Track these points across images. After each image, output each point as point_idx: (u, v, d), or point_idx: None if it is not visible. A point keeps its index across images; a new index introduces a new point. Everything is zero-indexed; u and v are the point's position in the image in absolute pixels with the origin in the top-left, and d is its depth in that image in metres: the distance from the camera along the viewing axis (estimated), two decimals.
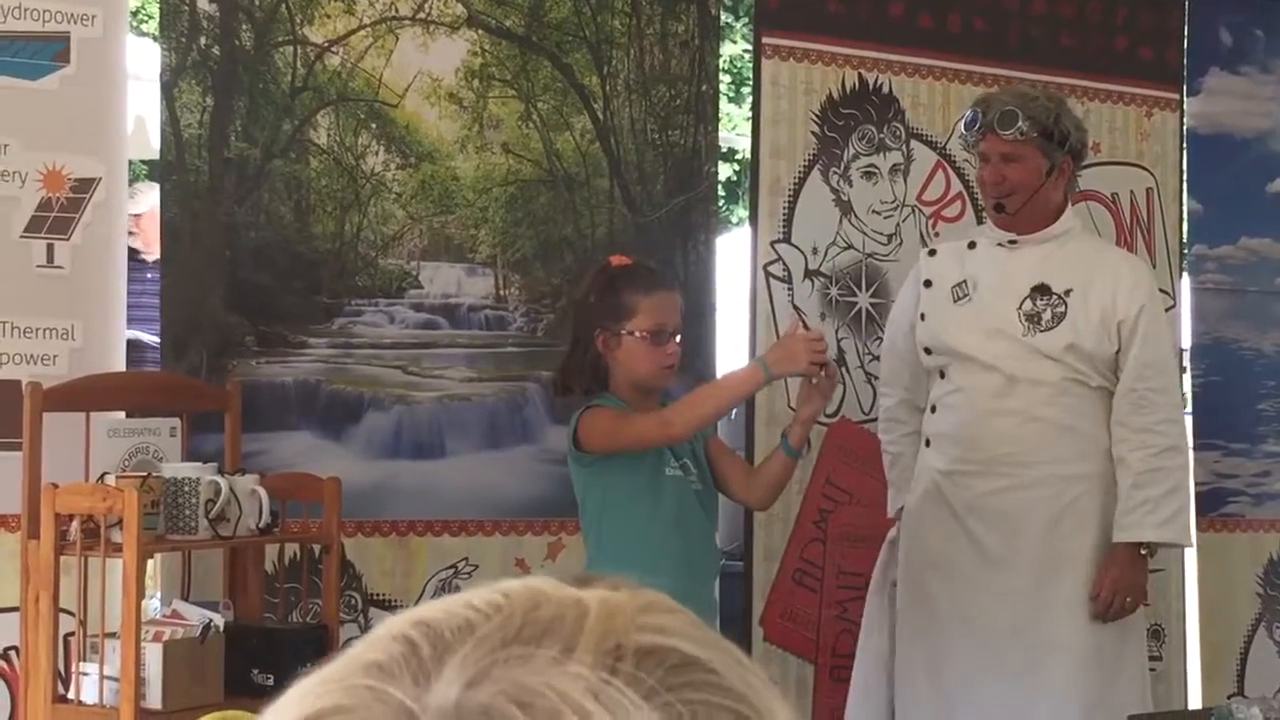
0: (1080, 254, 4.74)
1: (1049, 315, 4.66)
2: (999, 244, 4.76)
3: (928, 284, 4.82)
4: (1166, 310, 5.90)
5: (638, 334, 4.20)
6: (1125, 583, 4.63)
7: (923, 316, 4.80)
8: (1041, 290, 4.67)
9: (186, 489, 4.24)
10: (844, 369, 5.42)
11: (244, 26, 4.89)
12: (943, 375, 4.76)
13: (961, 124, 4.87)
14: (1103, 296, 4.65)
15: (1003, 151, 4.64)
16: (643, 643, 0.72)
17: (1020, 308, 4.68)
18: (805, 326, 4.78)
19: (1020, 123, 4.60)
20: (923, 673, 4.78)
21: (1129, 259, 5.02)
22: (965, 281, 4.75)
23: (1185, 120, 6.15)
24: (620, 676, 0.70)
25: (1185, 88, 6.16)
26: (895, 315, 4.99)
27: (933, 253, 4.94)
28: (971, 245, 4.83)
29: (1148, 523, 4.60)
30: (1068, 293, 4.66)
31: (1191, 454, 6.17)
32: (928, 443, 4.80)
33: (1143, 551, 4.67)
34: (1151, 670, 5.35)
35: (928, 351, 4.79)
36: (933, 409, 4.79)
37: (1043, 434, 4.66)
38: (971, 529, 4.70)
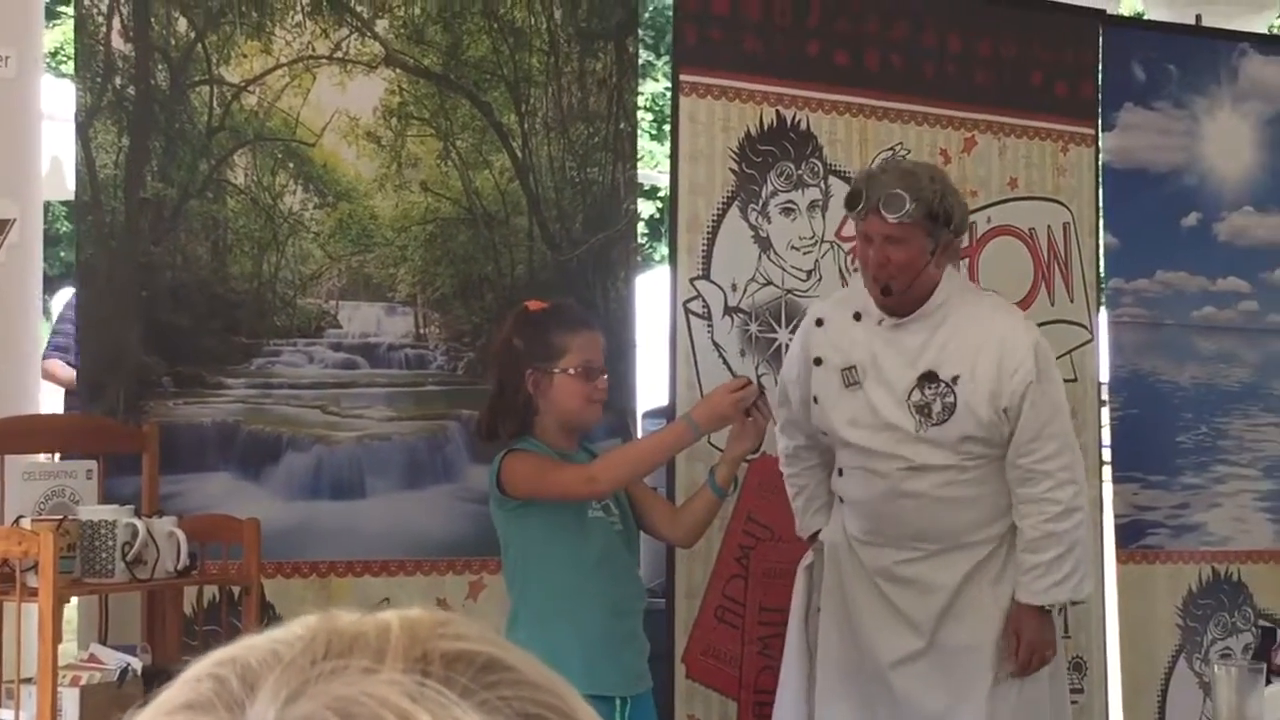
0: (962, 329, 4.65)
1: (939, 406, 4.62)
2: (879, 322, 4.69)
3: (818, 362, 4.77)
4: (1083, 345, 5.97)
5: (571, 371, 4.25)
6: (1038, 644, 4.71)
7: (815, 399, 4.78)
8: (929, 378, 4.62)
9: (103, 532, 4.20)
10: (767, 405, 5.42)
11: (160, 66, 4.87)
12: (845, 443, 4.77)
13: (844, 202, 4.79)
14: (988, 378, 4.58)
15: (887, 233, 4.54)
16: (447, 649, 0.74)
17: (909, 398, 4.64)
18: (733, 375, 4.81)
19: (907, 205, 4.51)
20: (845, 701, 4.81)
21: (1012, 328, 4.71)
22: (854, 368, 4.71)
23: (1100, 155, 6.20)
24: (433, 679, 0.72)
25: (1100, 123, 6.21)
26: (787, 371, 4.94)
27: (819, 323, 4.83)
28: (857, 317, 4.73)
29: (1038, 587, 4.67)
30: (955, 380, 4.61)
31: (1110, 486, 6.22)
32: (840, 474, 4.82)
33: (1046, 609, 4.74)
34: (1074, 703, 5.37)
35: (824, 434, 4.80)
36: (839, 472, 4.82)
37: (948, 512, 4.69)
38: (884, 590, 4.78)
